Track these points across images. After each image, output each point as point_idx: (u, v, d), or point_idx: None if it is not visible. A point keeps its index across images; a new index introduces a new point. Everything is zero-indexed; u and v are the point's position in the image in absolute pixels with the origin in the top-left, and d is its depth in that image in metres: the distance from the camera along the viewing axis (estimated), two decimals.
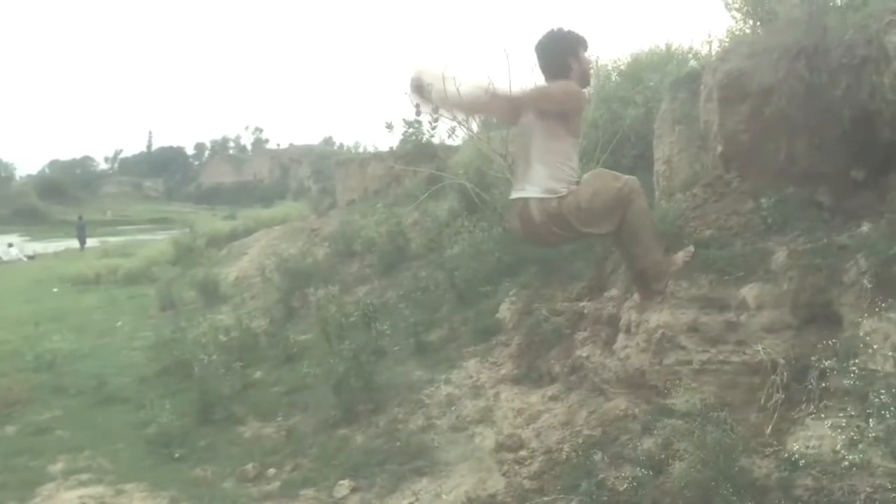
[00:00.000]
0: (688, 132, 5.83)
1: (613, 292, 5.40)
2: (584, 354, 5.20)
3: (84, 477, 5.75)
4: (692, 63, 7.67)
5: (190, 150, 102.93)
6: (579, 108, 3.30)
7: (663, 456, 3.87)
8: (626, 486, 3.76)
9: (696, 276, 4.61)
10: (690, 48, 8.21)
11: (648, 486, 3.64)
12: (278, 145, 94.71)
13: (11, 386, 7.93)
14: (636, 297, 4.63)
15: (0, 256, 30.49)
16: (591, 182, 3.17)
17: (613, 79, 8.22)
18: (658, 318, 4.60)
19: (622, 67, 8.17)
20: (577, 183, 3.19)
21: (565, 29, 3.29)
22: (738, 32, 6.31)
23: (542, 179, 3.24)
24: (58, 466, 5.99)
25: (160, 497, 5.30)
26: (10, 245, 32.59)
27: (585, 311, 5.54)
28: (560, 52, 3.26)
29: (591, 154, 6.99)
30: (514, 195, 3.24)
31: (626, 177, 3.13)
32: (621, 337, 4.94)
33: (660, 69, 7.53)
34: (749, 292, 4.35)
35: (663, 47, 8.35)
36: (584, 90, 3.32)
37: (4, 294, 17.46)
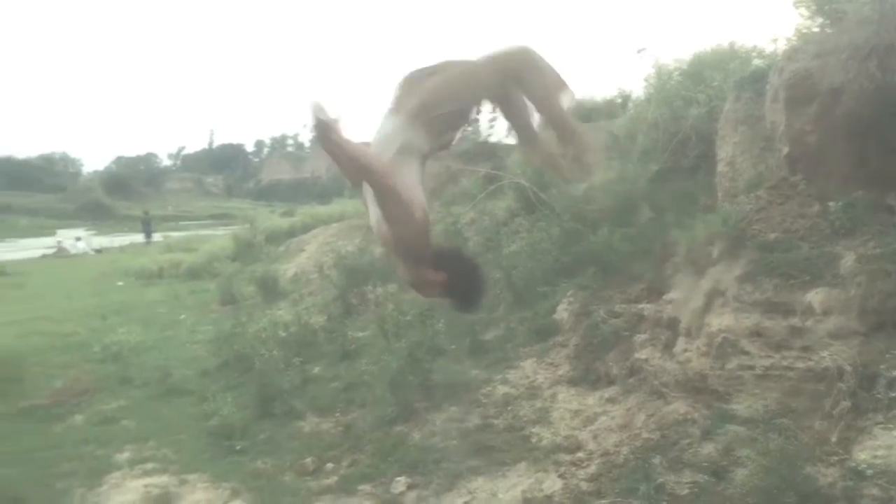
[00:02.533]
0: (752, 133, 5.73)
1: (674, 295, 5.34)
2: (643, 357, 5.15)
3: (149, 466, 5.91)
4: (756, 62, 7.52)
5: (250, 147, 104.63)
6: None
7: (725, 462, 3.81)
8: (686, 491, 3.72)
9: (759, 279, 4.54)
10: (755, 47, 8.05)
11: (709, 491, 3.60)
12: None
13: (80, 376, 8.19)
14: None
15: (68, 250, 31.40)
16: None
17: (675, 78, 8.10)
18: (720, 321, 4.54)
19: (684, 66, 8.05)
20: None
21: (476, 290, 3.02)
22: (805, 31, 6.16)
23: None
24: (124, 456, 6.18)
25: (222, 488, 5.42)
26: (78, 239, 33.54)
27: (645, 313, 5.49)
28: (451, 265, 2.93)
29: (651, 154, 6.93)
30: None
31: None
32: (681, 340, 4.88)
33: (723, 68, 7.40)
34: (815, 297, 4.26)
35: (727, 45, 8.20)
36: None
37: (72, 287, 18.01)
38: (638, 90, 9.66)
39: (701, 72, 7.63)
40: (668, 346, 5.04)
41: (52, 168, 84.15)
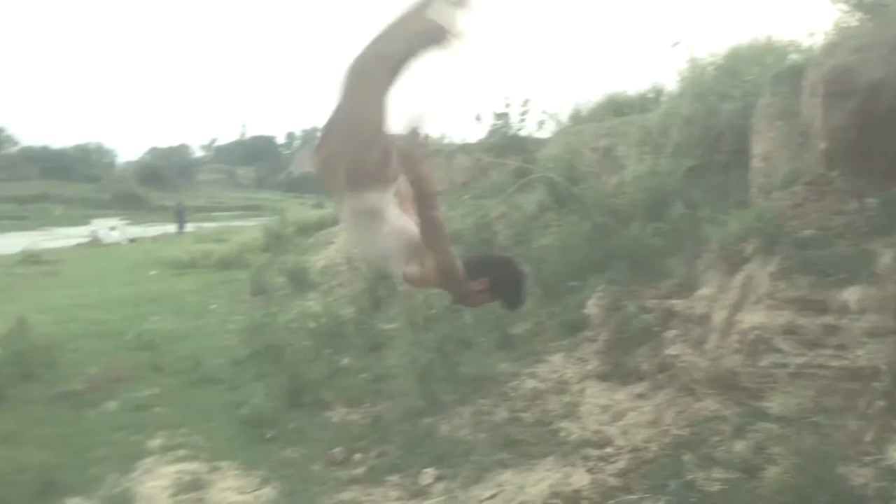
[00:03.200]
0: (788, 128, 5.65)
1: (706, 291, 5.29)
2: (674, 353, 5.12)
3: (181, 453, 5.99)
4: (793, 56, 7.41)
5: (281, 140, 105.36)
6: None
7: (756, 460, 3.78)
8: (716, 488, 3.69)
9: (794, 277, 4.49)
10: (792, 41, 7.93)
11: (740, 489, 3.57)
12: None
13: (114, 363, 8.31)
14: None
15: (102, 239, 31.84)
16: None
17: (709, 72, 8.01)
18: (753, 318, 4.50)
19: (719, 61, 7.95)
20: None
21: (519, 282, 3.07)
22: (844, 25, 6.06)
23: None
24: (156, 442, 6.26)
25: (252, 476, 5.48)
26: (113, 228, 34.01)
27: (676, 309, 5.44)
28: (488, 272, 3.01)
29: (684, 149, 6.87)
30: None
31: None
32: (713, 337, 4.84)
33: (759, 62, 7.30)
34: (851, 295, 4.20)
35: (763, 40, 8.08)
36: None
37: (107, 276, 18.27)
38: (671, 84, 9.57)
39: (736, 66, 7.54)
40: (699, 343, 5.00)
41: (87, 158, 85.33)
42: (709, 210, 5.93)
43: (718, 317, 4.86)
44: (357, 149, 2.86)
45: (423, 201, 2.74)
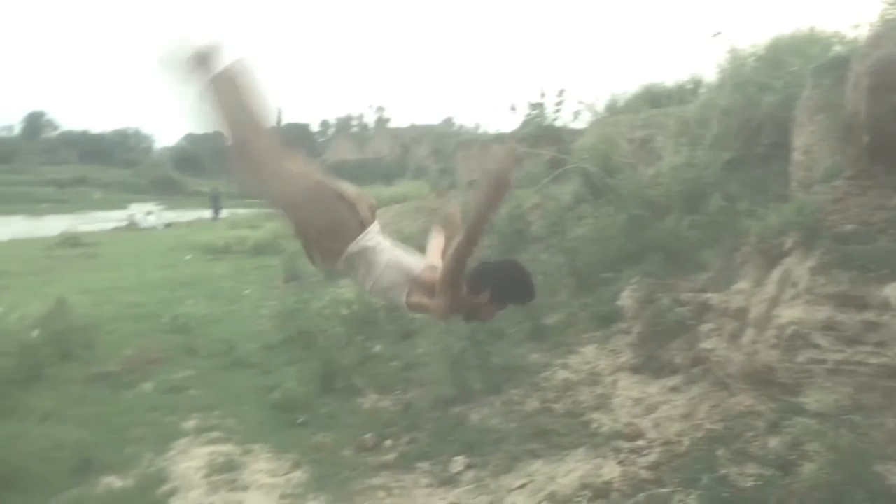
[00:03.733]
0: (831, 121, 5.54)
1: (743, 285, 5.22)
2: (709, 347, 5.06)
3: (214, 435, 6.07)
4: (837, 48, 7.27)
5: (315, 127, 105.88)
6: None
7: (791, 456, 3.73)
8: (750, 483, 3.65)
9: (834, 272, 4.40)
10: (836, 32, 7.77)
11: (775, 485, 3.52)
12: (400, 125, 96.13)
13: (149, 346, 8.44)
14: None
15: (139, 223, 32.30)
16: None
17: (750, 63, 7.88)
18: (791, 313, 4.42)
19: (761, 51, 7.81)
20: None
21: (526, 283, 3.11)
22: (890, 17, 5.93)
23: None
24: (190, 423, 6.35)
25: (283, 460, 5.54)
26: (149, 213, 34.48)
27: (711, 302, 5.38)
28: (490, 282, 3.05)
29: (723, 141, 6.78)
30: None
31: None
32: (749, 331, 4.78)
33: (802, 54, 7.16)
34: (892, 291, 4.11)
35: (806, 31, 7.93)
36: None
37: (143, 259, 18.53)
38: (710, 75, 9.44)
39: (778, 57, 7.40)
40: (734, 337, 4.94)
41: (125, 143, 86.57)
42: (747, 203, 5.84)
43: (755, 311, 4.79)
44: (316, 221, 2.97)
45: (470, 238, 2.79)
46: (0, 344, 7.25)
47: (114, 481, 4.95)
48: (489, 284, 3.03)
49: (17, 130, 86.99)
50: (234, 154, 3.02)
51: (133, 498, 4.72)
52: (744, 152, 6.78)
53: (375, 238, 2.99)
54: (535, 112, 12.72)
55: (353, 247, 2.95)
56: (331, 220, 2.97)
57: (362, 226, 2.96)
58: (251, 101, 2.98)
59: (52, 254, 20.11)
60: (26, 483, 5.04)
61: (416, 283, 2.96)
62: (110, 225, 32.67)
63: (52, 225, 29.57)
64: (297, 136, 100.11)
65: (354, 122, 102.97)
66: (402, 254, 3.04)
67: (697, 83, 10.58)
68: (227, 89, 2.97)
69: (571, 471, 4.51)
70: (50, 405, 6.63)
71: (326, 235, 2.99)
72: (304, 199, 2.98)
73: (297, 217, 3.04)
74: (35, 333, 7.82)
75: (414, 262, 3.04)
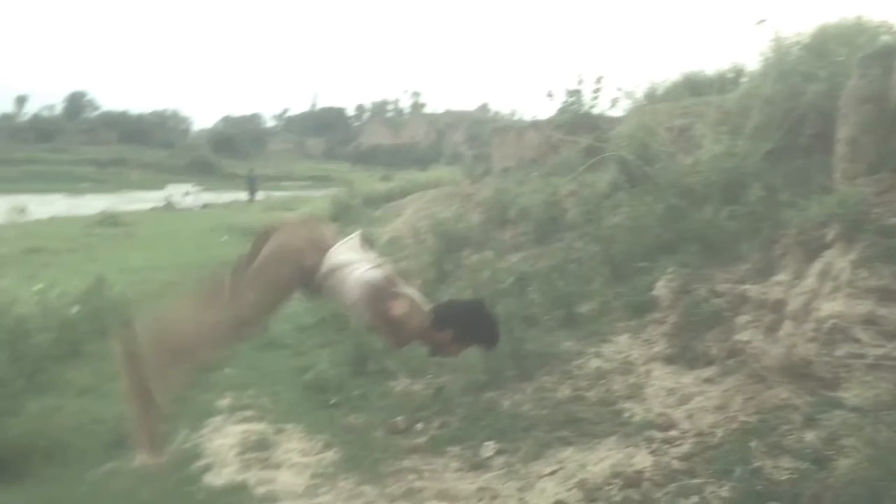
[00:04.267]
0: (877, 112, 5.42)
1: (782, 277, 5.15)
2: (745, 339, 5.00)
3: (248, 413, 6.15)
4: (885, 37, 7.11)
5: (350, 111, 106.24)
6: None
7: (828, 450, 3.68)
8: (784, 476, 3.61)
9: (876, 266, 4.33)
10: (884, 21, 7.59)
11: (810, 479, 3.48)
12: (435, 110, 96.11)
13: None
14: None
15: (177, 204, 32.71)
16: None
17: (794, 52, 7.73)
18: (831, 307, 4.36)
19: (806, 40, 7.65)
20: None
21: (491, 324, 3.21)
22: None
23: None
24: (224, 402, 6.44)
25: (315, 440, 5.60)
26: (186, 194, 34.95)
27: (749, 294, 5.31)
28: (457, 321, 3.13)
29: (764, 131, 6.67)
30: None
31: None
32: (787, 324, 4.71)
33: (848, 43, 7.00)
34: None
35: (853, 19, 7.75)
36: None
37: (180, 239, 18.77)
38: (753, 64, 9.28)
39: (824, 46, 7.25)
40: (771, 329, 4.88)
41: (163, 124, 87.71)
42: (788, 194, 5.74)
43: (794, 304, 4.72)
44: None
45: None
46: (40, 319, 7.39)
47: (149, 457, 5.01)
48: (454, 325, 3.09)
49: (58, 110, 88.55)
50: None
51: (168, 472, 4.79)
52: (786, 143, 6.67)
53: (339, 258, 3.01)
54: (572, 99, 12.63)
55: (319, 277, 3.00)
56: (290, 285, 3.07)
57: (319, 257, 3.00)
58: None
59: (92, 232, 20.46)
60: (65, 456, 5.15)
61: (380, 312, 2.97)
62: (148, 205, 33.12)
63: (92, 204, 30.07)
64: (332, 120, 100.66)
65: (390, 107, 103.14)
66: (371, 271, 3.02)
67: (739, 72, 10.42)
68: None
69: (602, 459, 4.50)
70: (88, 381, 6.76)
71: (299, 287, 3.09)
72: (259, 303, 3.05)
73: (275, 303, 3.13)
74: (75, 310, 7.98)
75: (381, 280, 3.05)
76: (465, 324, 3.13)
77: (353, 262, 3.00)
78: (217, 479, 4.81)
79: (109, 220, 22.69)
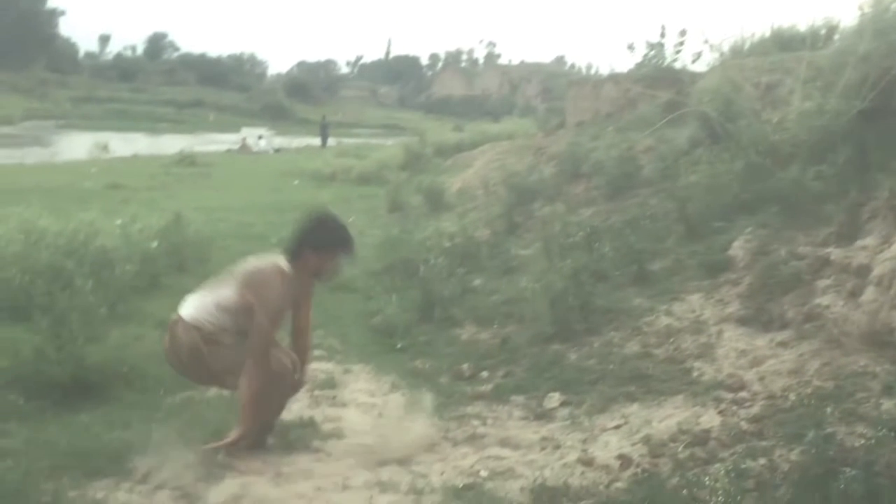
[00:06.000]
0: None
1: (868, 241, 4.94)
2: (825, 303, 4.84)
3: (317, 353, 6.24)
4: None
5: (424, 61, 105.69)
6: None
7: None
8: (858, 443, 3.51)
9: None
10: None
11: (885, 447, 3.38)
12: (510, 61, 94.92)
13: None
14: None
15: (251, 147, 33.26)
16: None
17: (893, 9, 7.32)
18: None
19: None
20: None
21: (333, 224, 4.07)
22: None
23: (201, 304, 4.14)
24: None
25: (382, 381, 5.70)
26: (260, 137, 35.44)
27: (832, 257, 5.12)
28: (302, 239, 3.90)
29: (857, 90, 6.37)
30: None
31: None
32: (871, 290, 4.54)
33: None
34: None
35: None
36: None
37: (253, 182, 19.13)
38: (848, 20, 8.84)
39: None
40: (853, 295, 4.71)
41: (240, 68, 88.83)
42: (880, 156, 5.50)
43: (880, 269, 4.54)
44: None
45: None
46: (123, 252, 7.65)
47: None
48: (307, 245, 3.77)
49: (139, 51, 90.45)
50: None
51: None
52: (880, 103, 6.35)
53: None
54: (653, 52, 12.29)
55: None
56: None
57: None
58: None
59: (170, 171, 21.01)
60: (144, 383, 5.35)
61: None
62: (223, 147, 33.80)
63: (170, 143, 30.79)
64: (405, 68, 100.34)
65: (464, 57, 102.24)
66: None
67: (832, 28, 9.95)
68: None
69: (669, 416, 4.45)
70: (167, 313, 6.94)
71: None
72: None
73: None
74: (154, 245, 8.22)
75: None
76: (314, 238, 3.75)
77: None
78: (287, 414, 4.91)
79: (187, 160, 23.25)
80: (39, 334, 5.18)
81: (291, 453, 4.38)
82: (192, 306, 4.10)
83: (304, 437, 4.56)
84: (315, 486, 3.94)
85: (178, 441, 4.08)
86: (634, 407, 4.71)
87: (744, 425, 4.13)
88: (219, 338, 3.99)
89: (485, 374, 5.79)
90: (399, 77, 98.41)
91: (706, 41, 8.00)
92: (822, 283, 5.04)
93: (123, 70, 79.21)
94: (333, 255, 3.96)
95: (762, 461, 3.68)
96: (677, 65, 11.99)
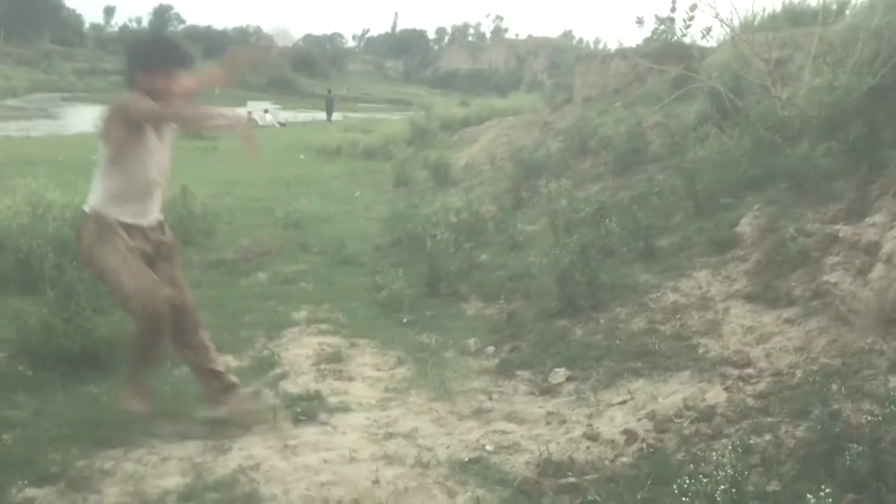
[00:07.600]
0: None
1: (877, 218, 4.91)
2: (832, 280, 4.82)
3: (323, 327, 6.30)
4: None
5: (431, 35, 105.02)
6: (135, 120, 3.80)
7: None
8: (864, 420, 3.51)
9: None
10: None
11: (891, 424, 3.37)
12: (517, 35, 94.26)
13: (265, 238, 8.77)
14: None
15: (256, 121, 33.13)
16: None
17: None
18: None
19: None
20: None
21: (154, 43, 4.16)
22: None
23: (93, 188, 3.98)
24: (301, 314, 6.61)
25: (388, 355, 5.71)
26: (266, 111, 35.30)
27: (840, 234, 5.09)
28: (129, 64, 3.89)
29: (869, 66, 6.31)
30: None
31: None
32: (879, 267, 4.52)
33: None
34: None
35: None
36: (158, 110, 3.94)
37: (260, 156, 19.02)
38: None
39: None
40: (862, 272, 4.69)
41: (246, 41, 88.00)
42: (890, 133, 5.45)
43: (889, 247, 4.51)
44: None
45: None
46: None
47: (230, 360, 5.20)
48: (135, 65, 3.81)
49: (145, 22, 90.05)
50: None
51: (247, 377, 4.97)
52: (891, 79, 6.29)
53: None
54: (663, 27, 12.16)
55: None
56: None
57: None
58: None
59: (175, 144, 20.88)
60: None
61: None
62: None
63: None
64: (412, 42, 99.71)
65: (471, 31, 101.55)
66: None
67: (844, 3, 9.84)
68: None
69: (674, 392, 4.46)
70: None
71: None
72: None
73: None
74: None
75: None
76: (138, 60, 3.84)
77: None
78: (293, 387, 4.95)
79: (192, 134, 23.13)
80: (47, 306, 5.20)
81: (298, 426, 4.40)
82: (91, 195, 4.00)
83: (310, 410, 4.58)
84: (322, 458, 3.96)
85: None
86: (640, 382, 4.71)
87: (750, 402, 4.13)
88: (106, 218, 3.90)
89: (491, 349, 5.80)
90: (405, 51, 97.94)
91: (716, 15, 7.90)
92: (831, 260, 5.01)
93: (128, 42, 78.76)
94: (164, 71, 3.91)
95: (768, 437, 3.68)
96: (687, 40, 11.83)
